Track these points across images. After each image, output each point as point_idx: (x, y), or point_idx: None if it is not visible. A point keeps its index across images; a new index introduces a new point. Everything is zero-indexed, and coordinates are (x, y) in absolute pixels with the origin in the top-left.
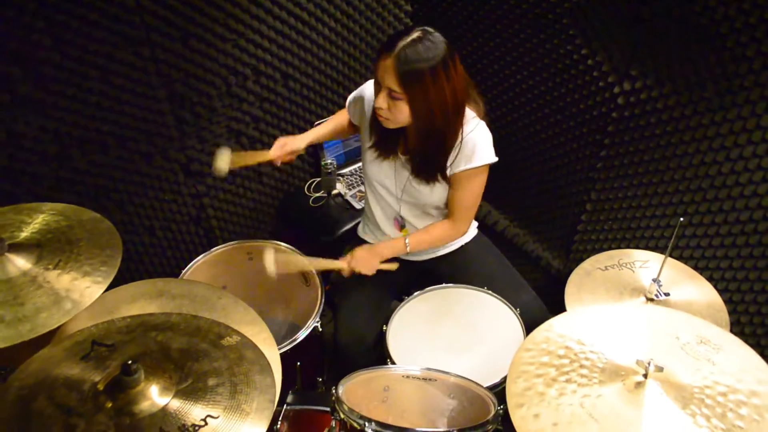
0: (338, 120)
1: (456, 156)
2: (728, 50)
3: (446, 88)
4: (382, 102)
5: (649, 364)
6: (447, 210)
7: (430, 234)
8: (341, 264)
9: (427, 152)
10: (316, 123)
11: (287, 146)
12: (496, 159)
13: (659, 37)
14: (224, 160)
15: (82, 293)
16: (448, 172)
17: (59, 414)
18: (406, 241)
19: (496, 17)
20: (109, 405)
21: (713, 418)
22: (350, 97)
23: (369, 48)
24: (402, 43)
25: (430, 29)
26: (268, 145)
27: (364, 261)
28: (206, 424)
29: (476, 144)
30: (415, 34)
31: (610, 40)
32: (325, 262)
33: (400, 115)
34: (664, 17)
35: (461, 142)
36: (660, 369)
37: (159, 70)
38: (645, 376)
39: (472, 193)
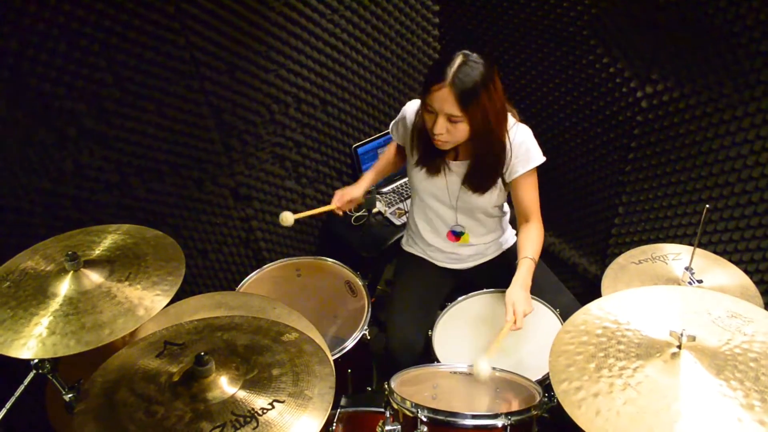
0: (386, 157)
1: (511, 161)
2: (743, 47)
3: (496, 99)
4: (441, 128)
5: (682, 334)
6: (494, 213)
7: (537, 239)
8: (511, 324)
9: (484, 163)
10: (356, 147)
11: (345, 196)
12: (544, 158)
13: (676, 40)
14: (288, 216)
15: (152, 300)
16: (507, 177)
17: (141, 402)
18: (530, 257)
19: (520, 34)
20: (185, 393)
21: (746, 381)
22: (392, 124)
23: (401, 72)
24: (451, 71)
25: (468, 51)
26: (310, 168)
27: (524, 302)
28: (273, 407)
29: (528, 147)
30: (459, 59)
31: (630, 47)
32: (501, 334)
33: (459, 134)
34: (679, 21)
35: (511, 146)
36: (692, 338)
37: (208, 101)
38: (679, 347)
39: (536, 190)
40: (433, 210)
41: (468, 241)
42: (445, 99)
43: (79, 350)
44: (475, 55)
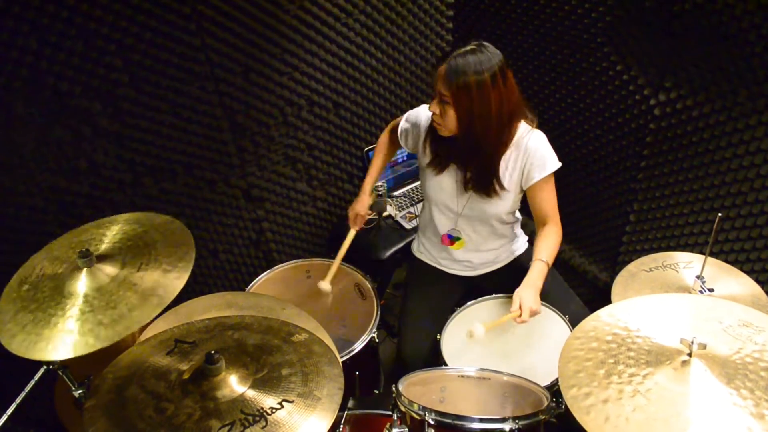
0: (381, 152)
1: (527, 167)
2: (757, 56)
3: (492, 102)
4: (435, 107)
5: (692, 342)
6: (507, 220)
7: (553, 242)
8: (515, 314)
9: (475, 163)
10: (368, 150)
11: (359, 215)
12: (560, 164)
13: (690, 48)
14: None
15: (165, 288)
16: (524, 185)
17: (150, 399)
18: (543, 259)
19: (534, 41)
20: (195, 391)
21: (757, 390)
22: (401, 128)
23: (414, 77)
24: (456, 53)
25: (486, 43)
26: (321, 171)
27: (532, 300)
28: (282, 407)
29: (544, 153)
30: (470, 47)
31: (644, 54)
32: (504, 318)
33: (449, 120)
34: (693, 29)
35: (527, 153)
36: (703, 346)
37: (222, 103)
38: (689, 354)
39: (553, 194)
40: (442, 214)
41: (462, 247)
42: (440, 76)
43: (100, 347)
44: (492, 48)
